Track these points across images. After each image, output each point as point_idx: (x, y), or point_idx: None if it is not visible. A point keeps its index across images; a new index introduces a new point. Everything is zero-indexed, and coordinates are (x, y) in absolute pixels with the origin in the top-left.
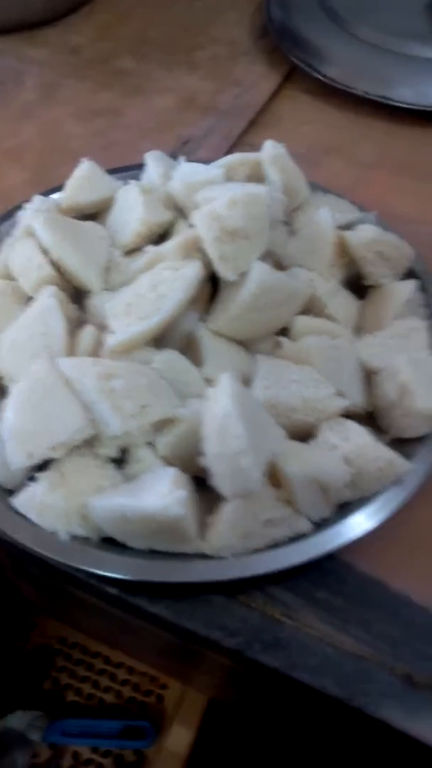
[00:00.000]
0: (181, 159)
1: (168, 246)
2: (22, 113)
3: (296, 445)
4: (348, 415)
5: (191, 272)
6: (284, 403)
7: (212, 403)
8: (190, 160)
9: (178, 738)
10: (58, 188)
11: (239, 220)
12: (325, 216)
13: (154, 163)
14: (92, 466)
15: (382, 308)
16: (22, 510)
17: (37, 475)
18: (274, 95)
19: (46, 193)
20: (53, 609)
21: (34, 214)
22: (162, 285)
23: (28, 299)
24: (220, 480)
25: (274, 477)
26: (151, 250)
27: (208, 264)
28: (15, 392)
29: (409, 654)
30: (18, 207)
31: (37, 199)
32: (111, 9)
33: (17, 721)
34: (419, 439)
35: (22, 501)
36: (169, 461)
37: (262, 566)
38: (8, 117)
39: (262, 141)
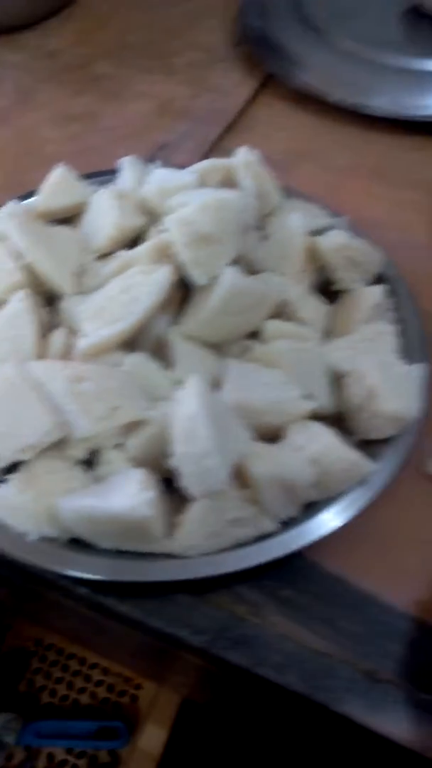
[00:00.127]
0: (156, 164)
1: (140, 250)
2: None
3: (263, 447)
4: (317, 417)
5: (162, 276)
6: (253, 405)
7: (180, 405)
8: (165, 165)
9: (152, 738)
10: (32, 193)
11: (210, 226)
12: (296, 221)
13: (129, 168)
14: (62, 468)
15: (351, 312)
16: None
17: (7, 477)
18: (250, 101)
19: (21, 197)
20: (27, 611)
21: (7, 218)
22: (133, 289)
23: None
24: (188, 480)
25: (241, 477)
26: (123, 254)
27: (179, 268)
28: None
29: (373, 651)
30: None
31: (11, 204)
32: (90, 13)
33: None
34: (385, 440)
35: None
36: (138, 463)
37: (229, 565)
38: None
39: (238, 147)
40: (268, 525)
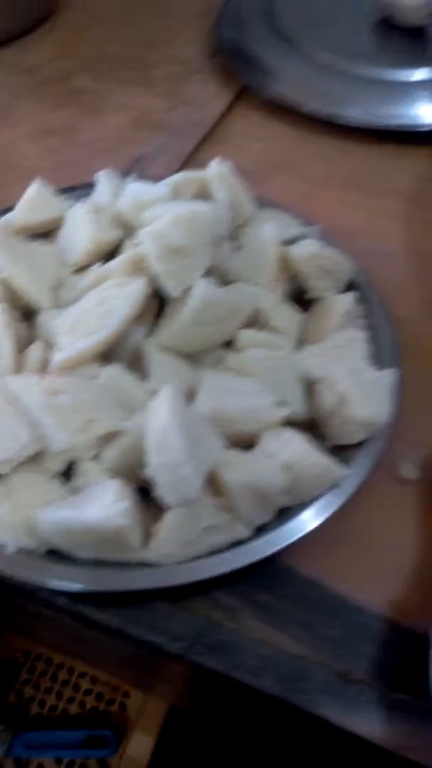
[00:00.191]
0: (132, 177)
1: (114, 263)
2: None
3: (236, 454)
4: (290, 423)
5: (136, 289)
6: (227, 414)
7: (153, 416)
8: (142, 177)
9: (139, 745)
10: (11, 208)
11: (182, 238)
12: (268, 232)
13: (104, 182)
14: (40, 481)
15: (323, 320)
16: None
17: None
18: (226, 113)
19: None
20: (14, 622)
21: None
22: (108, 302)
23: None
24: (162, 489)
25: (215, 485)
26: (98, 268)
27: (153, 280)
28: None
29: (347, 652)
30: None
31: None
32: (68, 27)
33: None
34: (358, 445)
35: None
36: (114, 473)
37: (204, 572)
38: None
39: (214, 158)
40: (242, 531)
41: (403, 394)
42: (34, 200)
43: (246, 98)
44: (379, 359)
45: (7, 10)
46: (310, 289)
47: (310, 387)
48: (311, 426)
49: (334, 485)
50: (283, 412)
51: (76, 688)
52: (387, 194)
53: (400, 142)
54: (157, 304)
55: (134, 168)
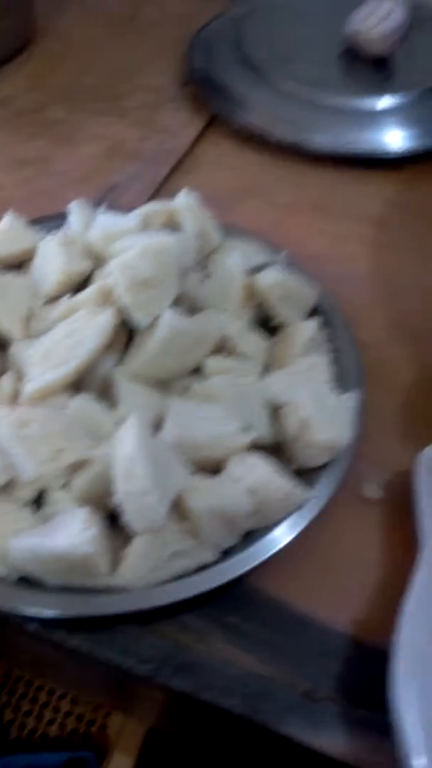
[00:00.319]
0: (103, 207)
1: (84, 295)
2: None
3: (202, 480)
4: (257, 447)
5: (105, 320)
6: (193, 440)
7: (120, 446)
8: (115, 206)
9: (119, 766)
10: None
11: (150, 270)
12: (235, 260)
13: (76, 212)
14: (10, 510)
15: (287, 346)
16: None
17: None
18: (197, 141)
19: None
20: None
21: None
22: (77, 333)
23: None
24: (129, 517)
25: (181, 511)
26: (67, 299)
27: (122, 311)
28: None
29: (312, 671)
30: None
31: None
32: (44, 57)
33: None
34: (322, 467)
35: None
36: (84, 501)
37: (171, 596)
38: None
39: (185, 186)
40: (209, 555)
41: (366, 416)
42: (7, 232)
43: (217, 126)
44: (343, 383)
45: None
46: (276, 316)
47: (275, 412)
48: (277, 450)
49: (298, 508)
50: (249, 438)
51: (56, 709)
52: (353, 219)
53: (365, 168)
54: (127, 334)
55: (107, 197)
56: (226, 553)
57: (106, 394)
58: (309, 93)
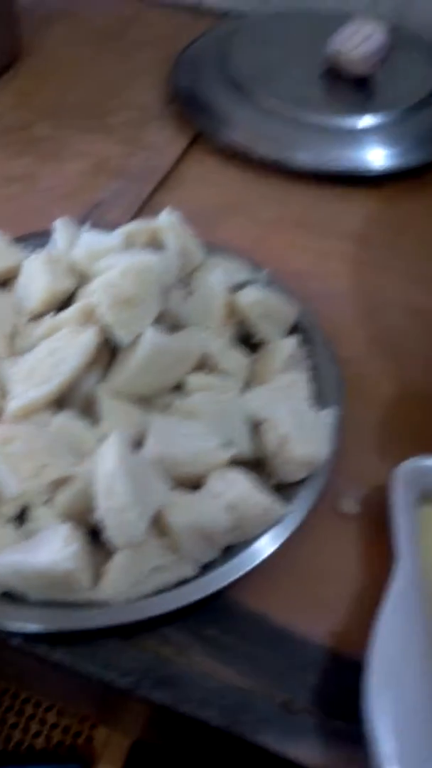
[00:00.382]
0: (88, 225)
1: (67, 313)
2: None
3: (182, 496)
4: (237, 463)
5: (88, 338)
6: (174, 457)
7: (101, 462)
8: (100, 223)
9: None
10: None
11: (132, 288)
12: (216, 278)
13: (61, 230)
14: None
15: (268, 363)
16: None
17: None
18: (182, 158)
19: None
20: None
21: None
22: (60, 351)
23: None
24: (111, 532)
25: (161, 527)
26: (51, 317)
27: (105, 329)
28: None
29: (290, 683)
30: None
31: None
32: (31, 74)
33: None
34: (301, 482)
35: None
36: (66, 517)
37: (152, 610)
38: None
39: (170, 203)
40: (188, 570)
41: (346, 431)
42: None
43: (201, 144)
44: (323, 399)
45: None
46: (256, 333)
47: (255, 428)
48: (258, 465)
49: (276, 523)
50: (228, 454)
51: (43, 722)
52: (336, 236)
53: (347, 185)
54: (109, 351)
55: (92, 214)
56: (206, 568)
57: (89, 410)
58: (292, 111)
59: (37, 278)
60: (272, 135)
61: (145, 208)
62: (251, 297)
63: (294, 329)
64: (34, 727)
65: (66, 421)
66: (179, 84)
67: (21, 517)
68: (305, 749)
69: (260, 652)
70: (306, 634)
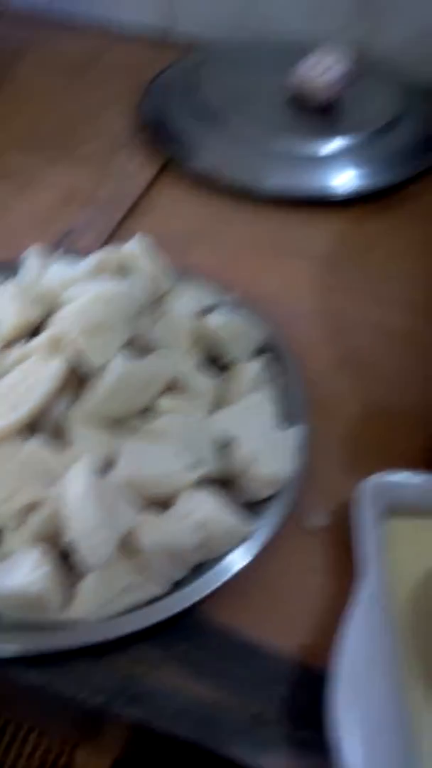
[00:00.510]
0: (60, 253)
1: (38, 340)
2: None
3: (150, 517)
4: (207, 482)
5: (58, 365)
6: (144, 479)
7: (70, 486)
8: (71, 251)
9: None
10: None
11: (101, 315)
12: (186, 303)
13: (32, 259)
14: None
15: (235, 384)
16: None
17: None
18: (152, 185)
19: None
20: None
21: None
22: (31, 377)
23: None
24: (80, 555)
25: (131, 547)
26: (22, 345)
27: (75, 356)
28: None
29: (260, 695)
30: None
31: None
32: (3, 104)
33: None
34: (269, 499)
35: None
36: (37, 541)
37: (123, 628)
38: None
39: (140, 229)
40: (158, 589)
41: (312, 449)
42: None
43: (171, 171)
44: (290, 418)
45: None
46: (224, 356)
47: (223, 448)
48: (226, 484)
49: (244, 540)
50: (197, 474)
51: (24, 743)
52: (303, 258)
53: (314, 208)
54: (80, 377)
55: (64, 242)
56: (176, 586)
57: (60, 435)
58: (259, 138)
59: (7, 306)
60: (240, 162)
61: (116, 235)
62: (218, 320)
63: (262, 350)
64: (14, 749)
65: (37, 447)
66: (148, 113)
67: None
68: (275, 760)
69: (231, 666)
70: (276, 647)
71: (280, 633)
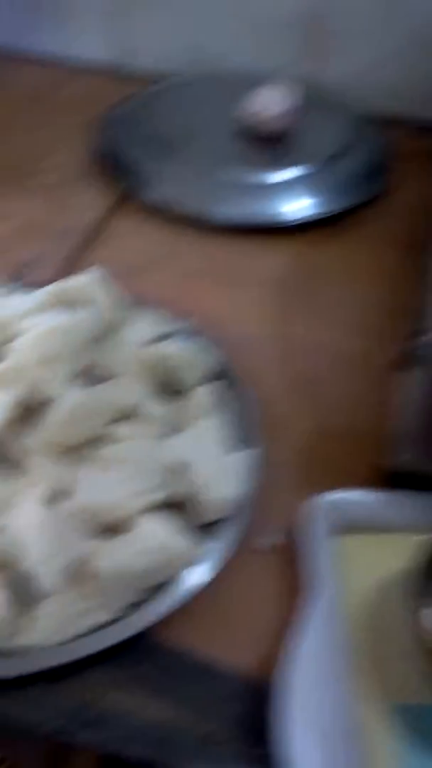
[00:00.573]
0: (17, 284)
1: None
2: None
3: (104, 543)
4: (162, 506)
5: (13, 395)
6: (97, 505)
7: (24, 514)
8: (28, 282)
9: None
10: None
11: (56, 346)
12: (140, 331)
13: None
14: None
15: (188, 409)
16: None
17: None
18: (107, 216)
19: None
20: None
21: None
22: None
23: None
24: (34, 582)
25: (85, 573)
26: None
27: (30, 386)
28: None
29: (213, 714)
30: None
31: None
32: None
33: None
34: (222, 521)
35: None
36: None
37: (77, 652)
38: None
39: (96, 259)
40: (112, 613)
41: (264, 471)
42: None
43: (126, 201)
44: (242, 441)
45: None
46: (177, 382)
47: (175, 473)
48: (180, 507)
49: (197, 562)
50: (149, 499)
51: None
52: (256, 283)
53: (265, 236)
54: (35, 407)
55: (21, 273)
56: (130, 609)
57: (15, 465)
58: (211, 169)
59: None
60: (193, 192)
61: (72, 266)
62: (171, 348)
63: (216, 376)
64: None
65: None
66: (104, 145)
67: None
68: None
69: (184, 686)
70: (229, 666)
71: (234, 652)
